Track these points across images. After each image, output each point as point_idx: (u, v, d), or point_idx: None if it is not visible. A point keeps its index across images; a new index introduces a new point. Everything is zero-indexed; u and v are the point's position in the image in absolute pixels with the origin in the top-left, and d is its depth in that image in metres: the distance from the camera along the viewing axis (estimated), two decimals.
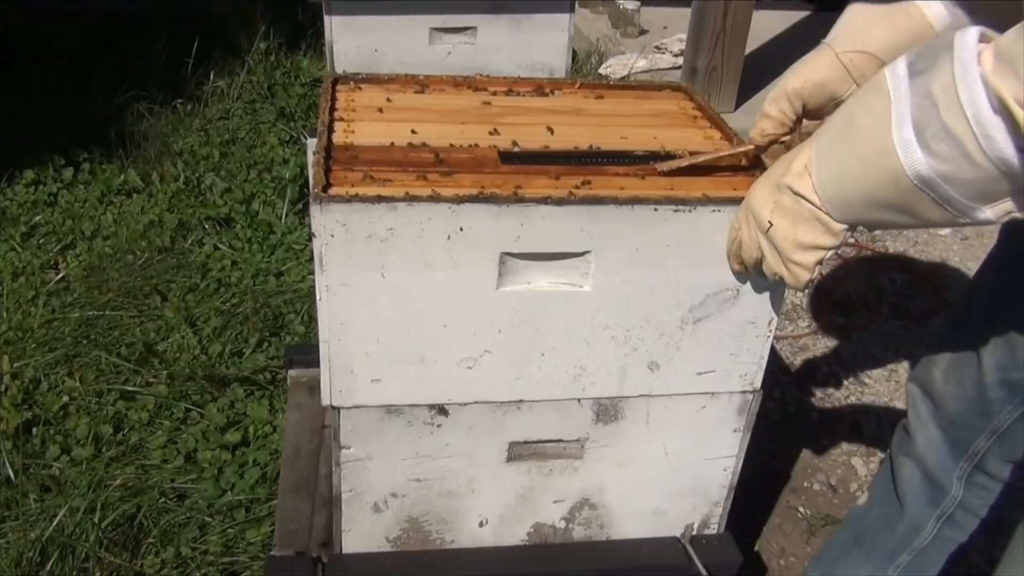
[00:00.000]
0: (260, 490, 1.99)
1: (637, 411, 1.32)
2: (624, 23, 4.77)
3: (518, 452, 1.33)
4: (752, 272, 1.16)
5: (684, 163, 1.24)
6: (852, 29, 1.17)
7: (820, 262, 1.05)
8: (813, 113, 1.21)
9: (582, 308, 1.20)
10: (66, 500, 1.90)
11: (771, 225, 1.05)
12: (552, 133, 1.35)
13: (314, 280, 1.13)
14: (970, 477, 1.45)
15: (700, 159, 1.24)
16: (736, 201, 1.15)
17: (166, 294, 2.67)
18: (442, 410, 1.26)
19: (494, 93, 1.50)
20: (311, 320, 2.54)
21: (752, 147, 1.25)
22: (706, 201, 1.15)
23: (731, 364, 1.29)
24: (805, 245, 1.03)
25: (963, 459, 1.43)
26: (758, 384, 1.32)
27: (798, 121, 1.22)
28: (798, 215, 1.02)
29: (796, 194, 1.01)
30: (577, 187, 1.17)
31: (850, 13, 1.19)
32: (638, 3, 4.79)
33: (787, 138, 1.22)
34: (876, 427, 2.44)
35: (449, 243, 1.11)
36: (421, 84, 1.51)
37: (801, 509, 2.18)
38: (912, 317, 2.88)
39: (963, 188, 0.86)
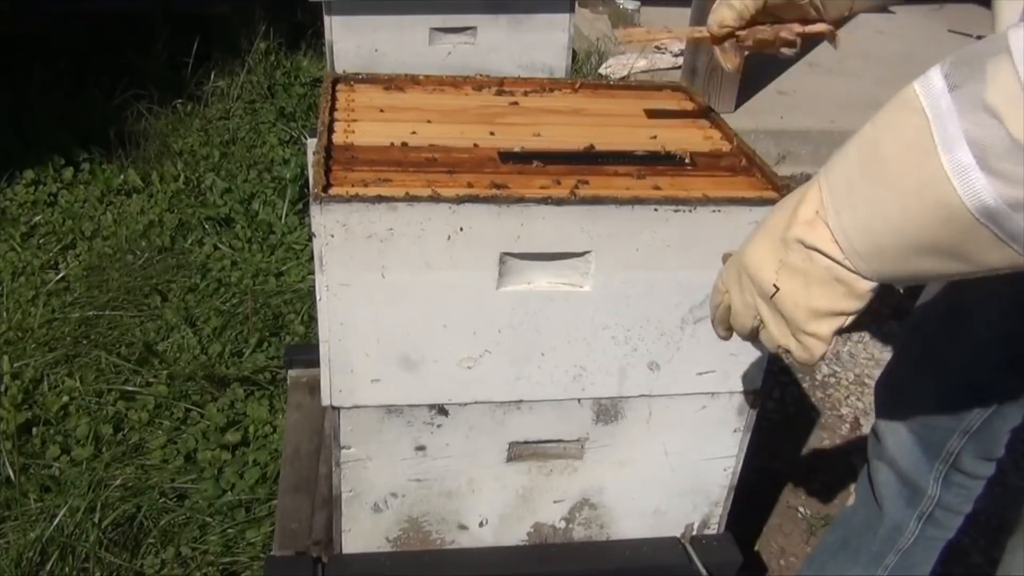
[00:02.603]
0: (260, 490, 1.99)
1: (637, 411, 1.32)
2: (624, 23, 4.77)
3: (518, 452, 1.33)
4: (746, 340, 0.99)
5: (645, 39, 1.28)
6: None
7: (839, 331, 0.88)
8: (770, 11, 1.18)
9: (582, 308, 1.20)
10: (66, 500, 1.90)
11: (777, 290, 0.89)
12: (552, 133, 1.35)
13: (314, 280, 1.13)
14: (947, 477, 1.43)
15: (660, 39, 1.28)
16: (736, 201, 1.15)
17: (166, 294, 2.67)
18: (442, 410, 1.26)
19: (494, 93, 1.50)
20: (311, 320, 2.54)
21: (707, 35, 1.24)
22: (706, 201, 1.15)
23: (731, 364, 1.29)
24: (822, 312, 0.86)
25: (938, 460, 1.41)
26: (758, 384, 1.32)
27: (752, 20, 1.18)
28: (812, 275, 0.85)
29: (809, 248, 0.84)
30: (577, 187, 1.17)
31: None
32: (638, 3, 4.79)
33: (742, 32, 1.20)
34: None
35: (449, 243, 1.11)
36: (421, 84, 1.51)
37: (801, 509, 2.17)
38: None
39: None
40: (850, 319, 0.87)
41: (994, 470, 1.43)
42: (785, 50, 1.23)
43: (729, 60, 1.22)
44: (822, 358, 0.90)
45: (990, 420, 1.34)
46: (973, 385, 1.32)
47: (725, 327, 1.00)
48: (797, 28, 1.20)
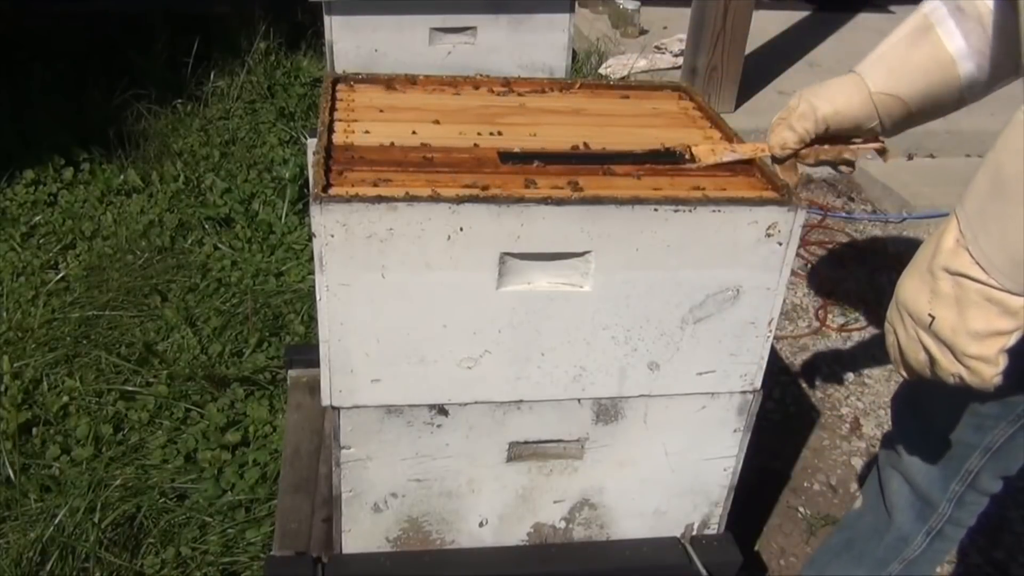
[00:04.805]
0: (260, 490, 1.99)
1: (637, 411, 1.32)
2: (624, 23, 4.77)
3: (518, 452, 1.33)
4: (926, 376, 1.01)
5: (711, 161, 1.29)
6: (888, 69, 1.18)
7: (1004, 350, 0.91)
8: (832, 137, 1.24)
9: (582, 308, 1.20)
10: (66, 500, 1.90)
11: (933, 319, 0.93)
12: (552, 133, 1.35)
13: (314, 280, 1.13)
14: (961, 497, 1.39)
15: (723, 159, 1.30)
16: (736, 201, 1.15)
17: (166, 294, 2.67)
18: (442, 410, 1.26)
19: (494, 93, 1.50)
20: (311, 320, 2.54)
21: (768, 152, 1.29)
22: (706, 201, 1.15)
23: (731, 364, 1.29)
24: (981, 334, 0.90)
25: (955, 480, 1.36)
26: (758, 384, 1.32)
27: (816, 140, 1.24)
28: (963, 300, 0.90)
29: (955, 274, 0.90)
30: (576, 187, 1.17)
31: (888, 50, 1.19)
32: (638, 3, 4.79)
33: (804, 151, 1.26)
34: (876, 427, 2.44)
35: (449, 243, 1.11)
36: (421, 84, 1.51)
37: (801, 509, 2.18)
38: None
39: None
40: (1012, 338, 0.90)
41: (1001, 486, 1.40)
42: (844, 168, 1.29)
43: (789, 176, 1.27)
44: (994, 380, 0.92)
45: (1014, 436, 1.29)
46: (1001, 397, 1.25)
47: (905, 368, 1.03)
48: (852, 147, 1.26)
